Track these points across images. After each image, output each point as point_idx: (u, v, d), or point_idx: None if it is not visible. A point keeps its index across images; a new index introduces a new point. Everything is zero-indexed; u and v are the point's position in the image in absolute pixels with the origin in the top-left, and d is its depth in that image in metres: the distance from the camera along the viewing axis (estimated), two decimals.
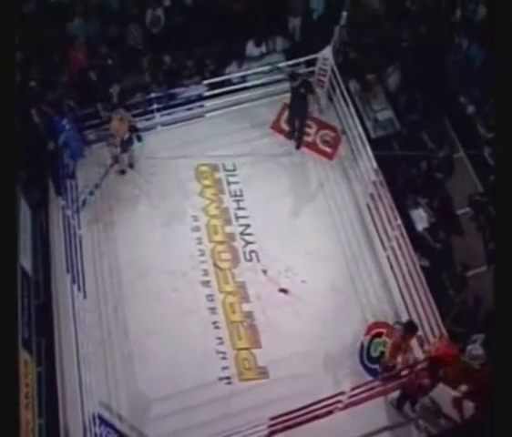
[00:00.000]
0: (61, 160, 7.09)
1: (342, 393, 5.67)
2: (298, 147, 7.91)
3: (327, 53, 7.65)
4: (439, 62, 7.90)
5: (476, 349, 6.02)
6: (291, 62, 7.97)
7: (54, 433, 5.80)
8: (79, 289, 6.36)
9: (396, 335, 5.78)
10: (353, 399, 5.78)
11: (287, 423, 5.66)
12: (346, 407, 5.84)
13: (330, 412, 5.82)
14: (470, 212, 7.27)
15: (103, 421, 5.81)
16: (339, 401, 5.73)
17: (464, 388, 5.87)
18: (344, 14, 7.54)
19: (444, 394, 5.94)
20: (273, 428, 5.66)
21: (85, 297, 6.52)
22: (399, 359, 5.73)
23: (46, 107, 7.06)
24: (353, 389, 5.68)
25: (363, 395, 5.81)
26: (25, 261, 6.55)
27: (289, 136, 7.94)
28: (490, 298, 6.02)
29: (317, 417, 5.75)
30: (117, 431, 5.85)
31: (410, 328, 5.76)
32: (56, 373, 6.14)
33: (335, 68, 7.72)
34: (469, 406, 5.90)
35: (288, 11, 8.30)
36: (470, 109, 7.92)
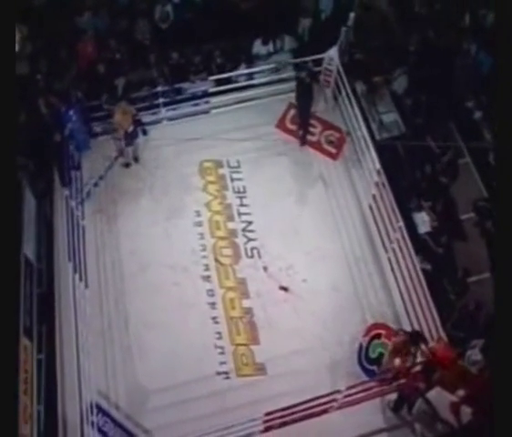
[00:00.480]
0: (66, 151, 7.18)
1: (338, 392, 5.68)
2: (303, 144, 7.92)
3: (333, 53, 7.67)
4: (447, 66, 7.88)
5: (475, 354, 6.00)
6: (297, 61, 8.01)
7: (52, 420, 5.87)
8: (81, 278, 6.41)
9: (399, 339, 5.77)
10: (349, 398, 5.78)
11: (282, 420, 5.67)
12: (342, 406, 5.85)
13: (325, 411, 5.82)
14: (474, 218, 7.23)
15: (100, 410, 5.89)
16: (334, 400, 5.73)
17: (461, 393, 5.83)
18: (352, 15, 7.56)
19: (441, 399, 5.92)
20: (269, 424, 5.68)
21: (86, 287, 6.58)
22: (397, 361, 5.70)
23: (53, 98, 7.14)
24: (349, 388, 5.68)
25: (359, 395, 5.81)
26: (29, 250, 6.63)
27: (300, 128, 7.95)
28: (491, 303, 5.99)
29: (313, 415, 5.76)
30: (113, 420, 5.91)
31: (415, 337, 5.72)
32: (56, 361, 6.20)
33: (341, 69, 7.74)
34: (467, 412, 5.86)
35: (299, 12, 8.32)
36: (477, 115, 7.89)
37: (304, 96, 7.60)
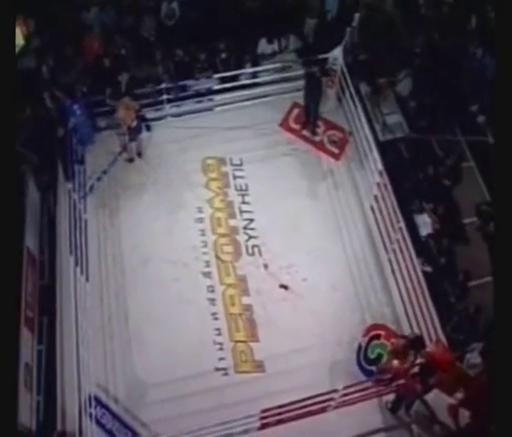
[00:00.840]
0: (70, 145, 7.22)
1: (335, 391, 5.69)
2: (314, 133, 7.92)
3: (337, 53, 7.68)
4: (452, 69, 7.86)
5: (474, 358, 5.99)
6: (310, 58, 7.99)
7: (51, 410, 5.91)
8: (82, 271, 6.46)
9: (399, 341, 5.77)
10: (346, 398, 5.78)
11: (279, 417, 5.68)
12: (339, 406, 5.85)
13: (322, 410, 5.82)
14: (477, 222, 7.20)
15: (99, 403, 5.94)
16: (332, 399, 5.73)
17: (460, 395, 5.82)
18: (357, 15, 7.56)
19: (439, 401, 5.91)
20: (265, 420, 5.69)
21: (87, 280, 6.62)
22: (395, 363, 5.70)
23: (58, 92, 7.19)
24: (346, 387, 5.68)
25: (357, 395, 5.81)
26: (32, 242, 6.69)
27: (305, 124, 7.98)
28: (491, 307, 5.96)
29: (309, 413, 5.77)
30: (112, 413, 5.95)
31: (416, 343, 5.70)
32: (56, 353, 6.25)
33: (345, 69, 7.75)
34: (465, 415, 5.85)
35: (305, 11, 8.32)
36: (481, 119, 7.86)
37: (314, 91, 7.63)
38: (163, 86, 7.73)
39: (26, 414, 5.65)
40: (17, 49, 7.03)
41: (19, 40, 7.14)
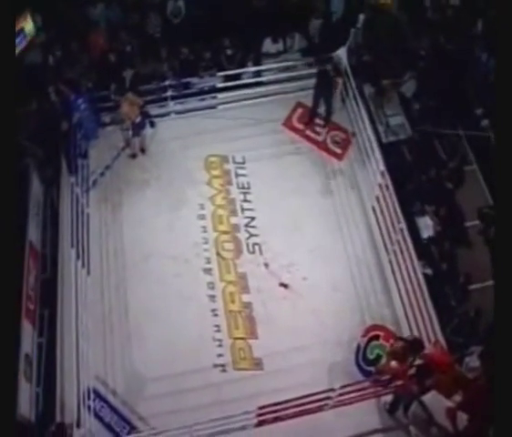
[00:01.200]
0: (74, 139, 7.27)
1: (332, 390, 5.69)
2: (328, 121, 7.98)
3: (341, 53, 7.69)
4: (457, 73, 7.84)
5: (473, 361, 5.98)
6: (312, 59, 8.06)
7: (50, 402, 5.95)
8: (83, 265, 6.50)
9: (398, 343, 5.76)
10: (344, 398, 5.77)
11: (276, 414, 5.69)
12: (336, 405, 5.84)
13: (319, 409, 5.82)
14: (479, 225, 7.18)
15: (98, 396, 5.99)
16: (329, 398, 5.74)
17: (458, 398, 5.80)
18: (361, 17, 7.58)
19: (438, 403, 5.90)
20: (262, 418, 5.71)
21: (88, 274, 6.67)
22: (393, 364, 5.69)
23: (62, 87, 7.25)
24: (344, 387, 5.68)
25: (354, 395, 5.80)
26: (34, 235, 6.74)
27: (310, 119, 8.03)
28: (491, 311, 5.95)
29: (307, 412, 5.77)
30: (110, 406, 5.99)
31: (415, 345, 5.67)
32: (56, 345, 6.29)
33: (349, 70, 7.75)
34: (463, 418, 5.83)
35: (311, 12, 8.34)
36: (484, 123, 7.83)
37: (325, 90, 7.68)
38: (167, 82, 7.77)
39: (26, 405, 5.69)
40: (29, 38, 7.08)
41: (31, 29, 7.17)
